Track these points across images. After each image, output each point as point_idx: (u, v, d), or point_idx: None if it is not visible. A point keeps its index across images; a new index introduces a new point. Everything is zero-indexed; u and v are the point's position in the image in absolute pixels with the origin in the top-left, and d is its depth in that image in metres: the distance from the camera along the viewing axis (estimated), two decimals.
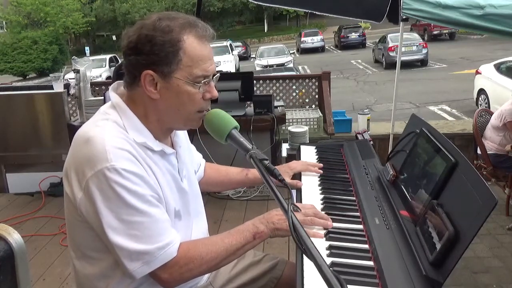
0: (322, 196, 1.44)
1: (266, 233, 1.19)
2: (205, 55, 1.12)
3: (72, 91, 3.92)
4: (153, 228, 1.06)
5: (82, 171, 1.04)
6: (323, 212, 1.29)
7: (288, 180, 1.51)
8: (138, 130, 1.12)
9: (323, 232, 1.21)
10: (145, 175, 1.07)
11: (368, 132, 2.38)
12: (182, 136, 1.33)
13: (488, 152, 3.59)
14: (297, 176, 1.58)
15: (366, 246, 1.16)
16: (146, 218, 1.05)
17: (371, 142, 1.85)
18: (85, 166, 1.04)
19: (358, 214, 1.32)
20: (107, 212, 1.03)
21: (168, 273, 1.09)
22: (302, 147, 1.90)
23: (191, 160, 1.42)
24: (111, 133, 1.08)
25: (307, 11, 4.93)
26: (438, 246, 0.99)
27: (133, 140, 1.10)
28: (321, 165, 1.63)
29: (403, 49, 12.17)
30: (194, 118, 1.17)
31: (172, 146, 1.26)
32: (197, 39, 1.11)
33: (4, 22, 32.47)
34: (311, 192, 1.47)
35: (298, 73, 12.14)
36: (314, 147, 1.89)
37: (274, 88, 5.04)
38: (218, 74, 1.18)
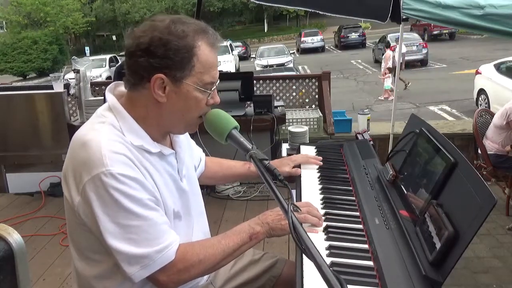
0: (322, 196, 1.44)
1: (263, 234, 1.20)
2: (214, 62, 1.13)
3: (72, 91, 3.92)
4: (151, 231, 1.06)
5: (79, 176, 1.04)
6: (317, 210, 1.30)
7: (288, 170, 1.56)
8: (135, 132, 1.12)
9: (319, 228, 1.23)
10: (142, 178, 1.07)
11: (368, 132, 2.38)
12: (181, 135, 1.33)
13: (488, 153, 3.58)
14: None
15: (366, 246, 1.16)
16: (144, 221, 1.05)
17: (371, 142, 1.85)
18: (82, 170, 1.04)
19: (358, 214, 1.32)
20: (104, 216, 1.03)
21: (166, 275, 1.09)
22: (302, 147, 1.90)
23: (192, 157, 1.42)
24: (108, 136, 1.07)
25: (308, 10, 4.87)
26: (438, 246, 0.99)
27: (130, 143, 1.09)
28: (321, 158, 1.67)
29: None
30: (194, 123, 1.18)
31: (172, 146, 1.26)
32: (209, 46, 1.11)
33: (4, 22, 32.50)
34: (311, 192, 1.47)
35: (298, 73, 12.14)
36: (314, 147, 1.89)
37: (274, 88, 5.04)
38: (218, 80, 1.18)
